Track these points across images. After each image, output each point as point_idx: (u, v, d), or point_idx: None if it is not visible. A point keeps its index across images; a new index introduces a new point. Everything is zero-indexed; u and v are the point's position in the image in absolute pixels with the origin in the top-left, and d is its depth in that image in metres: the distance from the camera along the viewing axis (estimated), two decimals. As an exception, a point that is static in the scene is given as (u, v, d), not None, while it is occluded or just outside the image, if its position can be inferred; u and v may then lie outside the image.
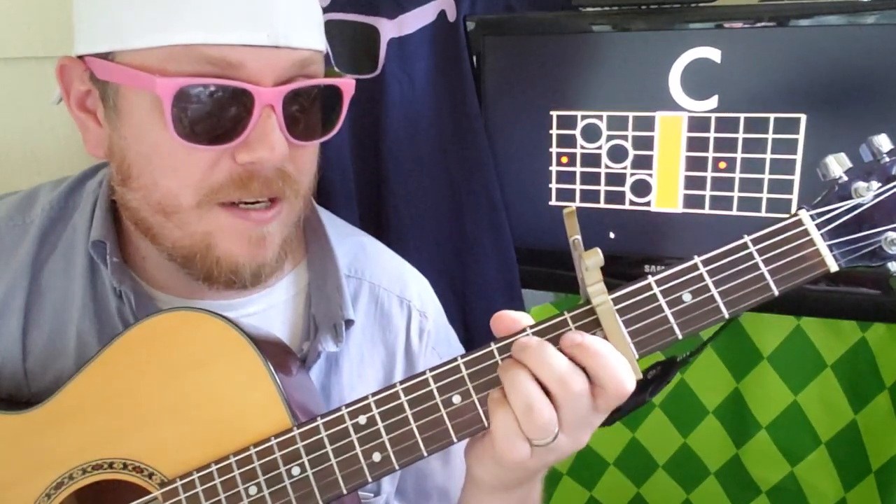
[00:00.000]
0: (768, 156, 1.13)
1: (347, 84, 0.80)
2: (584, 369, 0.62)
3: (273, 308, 0.88)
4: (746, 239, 0.63)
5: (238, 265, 0.77)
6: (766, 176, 1.14)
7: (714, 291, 0.62)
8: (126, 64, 0.72)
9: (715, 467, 1.47)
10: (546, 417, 0.61)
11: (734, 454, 1.45)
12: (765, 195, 1.14)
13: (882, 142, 0.64)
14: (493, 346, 0.64)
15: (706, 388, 1.42)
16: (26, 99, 1.27)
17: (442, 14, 1.27)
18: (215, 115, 0.72)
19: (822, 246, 0.62)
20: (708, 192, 1.18)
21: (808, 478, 1.39)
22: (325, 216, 0.94)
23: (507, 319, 0.66)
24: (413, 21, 1.27)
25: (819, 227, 0.63)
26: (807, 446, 1.38)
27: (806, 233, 0.62)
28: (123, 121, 0.75)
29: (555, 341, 0.63)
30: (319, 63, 0.79)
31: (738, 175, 1.15)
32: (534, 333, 0.64)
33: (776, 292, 0.62)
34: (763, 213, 1.15)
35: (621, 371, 0.61)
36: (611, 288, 0.64)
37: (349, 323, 0.87)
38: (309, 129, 0.78)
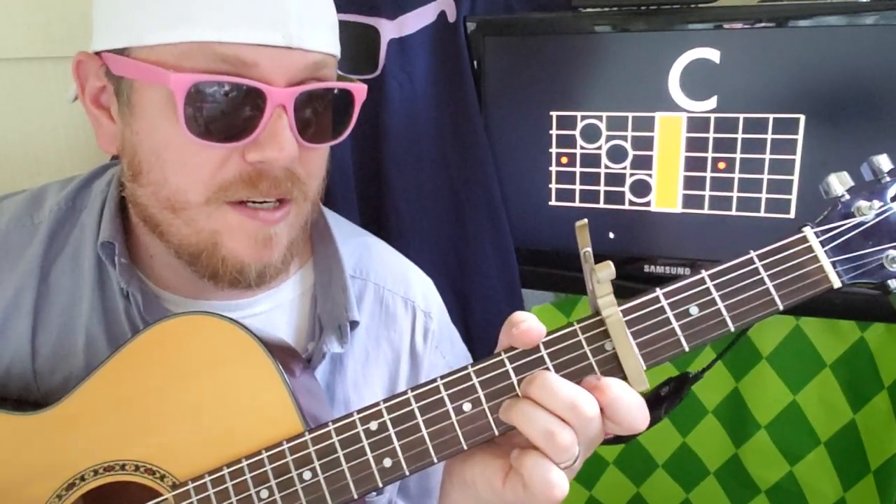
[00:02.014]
0: (767, 156, 1.14)
1: (359, 89, 0.80)
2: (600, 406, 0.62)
3: (278, 308, 0.88)
4: (753, 254, 0.64)
5: (243, 265, 0.77)
6: (766, 176, 1.14)
7: (720, 305, 0.63)
8: (141, 59, 0.72)
9: (714, 467, 1.47)
10: (569, 436, 0.60)
11: (733, 454, 1.45)
12: (764, 195, 1.15)
13: (882, 162, 0.65)
14: (504, 355, 0.65)
15: (705, 388, 1.43)
16: (26, 99, 1.27)
17: (442, 15, 1.27)
18: (227, 112, 0.72)
19: (826, 263, 0.64)
20: (707, 193, 1.18)
21: (807, 477, 1.40)
22: (331, 217, 0.94)
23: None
24: (413, 21, 1.27)
25: (823, 244, 0.64)
26: (806, 446, 1.38)
27: (810, 250, 0.64)
28: (136, 116, 0.76)
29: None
30: (332, 67, 0.79)
31: (737, 175, 1.16)
32: (543, 343, 0.64)
33: (781, 307, 0.64)
34: (762, 214, 1.16)
35: (638, 414, 0.61)
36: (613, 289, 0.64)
37: (354, 324, 0.87)
38: (319, 133, 0.79)
